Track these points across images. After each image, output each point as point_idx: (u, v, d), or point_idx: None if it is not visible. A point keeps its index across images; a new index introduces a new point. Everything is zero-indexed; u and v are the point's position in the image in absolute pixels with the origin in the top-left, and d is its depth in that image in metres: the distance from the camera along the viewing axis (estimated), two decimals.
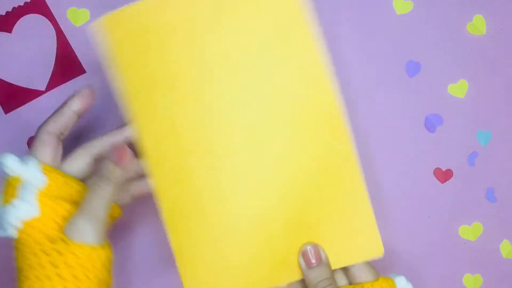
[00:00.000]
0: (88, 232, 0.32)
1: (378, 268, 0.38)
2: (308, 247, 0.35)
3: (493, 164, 0.47)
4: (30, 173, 0.32)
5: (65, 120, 0.36)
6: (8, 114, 0.45)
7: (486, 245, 0.47)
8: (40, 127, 0.36)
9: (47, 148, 0.35)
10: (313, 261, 0.34)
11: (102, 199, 0.33)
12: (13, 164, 0.32)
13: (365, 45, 0.46)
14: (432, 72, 0.47)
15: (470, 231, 0.47)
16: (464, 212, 0.47)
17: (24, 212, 0.31)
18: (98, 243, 0.33)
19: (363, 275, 0.36)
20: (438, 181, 0.47)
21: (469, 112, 0.47)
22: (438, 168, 0.47)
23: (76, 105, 0.36)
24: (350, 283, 0.37)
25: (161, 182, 0.36)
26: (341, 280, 0.37)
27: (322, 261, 0.35)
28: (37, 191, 0.32)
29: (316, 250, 0.35)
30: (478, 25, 0.47)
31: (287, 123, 0.35)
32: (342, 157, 0.35)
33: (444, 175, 0.47)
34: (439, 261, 0.47)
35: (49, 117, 0.36)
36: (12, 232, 0.32)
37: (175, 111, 0.35)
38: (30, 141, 0.44)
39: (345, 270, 0.38)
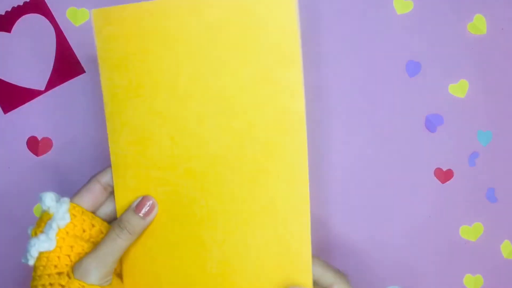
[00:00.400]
0: (91, 274, 0.34)
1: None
2: None
3: (494, 164, 0.47)
4: (58, 212, 0.35)
5: None
6: (8, 114, 0.45)
7: (487, 246, 0.47)
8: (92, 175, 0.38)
9: (89, 194, 0.37)
10: None
11: (115, 248, 0.35)
12: (48, 201, 0.36)
13: (365, 45, 0.46)
14: (432, 72, 0.47)
15: (470, 232, 0.47)
16: (465, 212, 0.47)
17: (42, 244, 0.34)
18: (99, 284, 0.34)
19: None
20: (438, 181, 0.47)
21: (470, 112, 0.47)
22: (439, 168, 0.47)
23: None
24: None
25: (122, 185, 0.37)
26: None
27: None
28: (58, 228, 0.35)
29: None
30: (478, 25, 0.47)
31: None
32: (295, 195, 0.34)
33: (444, 175, 0.47)
34: (440, 262, 0.47)
35: (104, 169, 0.38)
36: (30, 261, 0.35)
37: (145, 120, 0.36)
38: (30, 141, 0.44)
39: None
